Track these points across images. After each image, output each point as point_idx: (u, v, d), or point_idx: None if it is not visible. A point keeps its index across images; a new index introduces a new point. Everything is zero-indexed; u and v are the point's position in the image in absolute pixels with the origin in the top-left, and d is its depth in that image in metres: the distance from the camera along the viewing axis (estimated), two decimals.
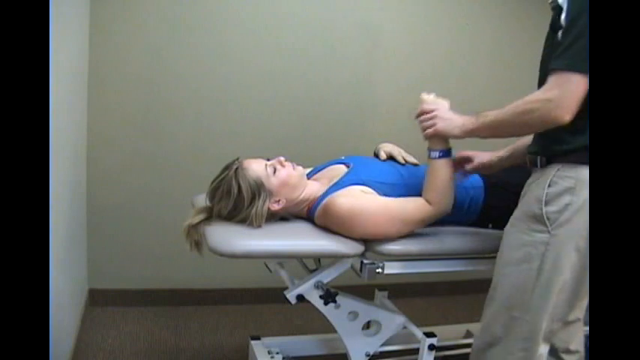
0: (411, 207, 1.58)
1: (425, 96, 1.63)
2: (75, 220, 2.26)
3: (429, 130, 1.57)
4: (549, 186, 1.37)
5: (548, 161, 1.40)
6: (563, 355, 1.57)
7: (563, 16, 1.27)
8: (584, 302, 1.47)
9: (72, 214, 2.17)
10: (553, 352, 1.56)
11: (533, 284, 1.39)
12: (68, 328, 2.11)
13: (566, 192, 1.35)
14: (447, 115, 1.56)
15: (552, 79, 1.28)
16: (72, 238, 2.17)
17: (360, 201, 1.58)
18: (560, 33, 1.28)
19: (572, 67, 1.24)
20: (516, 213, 1.47)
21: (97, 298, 2.60)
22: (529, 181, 1.48)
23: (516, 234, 1.43)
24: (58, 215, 1.79)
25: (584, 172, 1.33)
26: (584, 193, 1.34)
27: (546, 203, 1.36)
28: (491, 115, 1.42)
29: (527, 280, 1.39)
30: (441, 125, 1.55)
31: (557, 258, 1.37)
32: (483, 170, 1.74)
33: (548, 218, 1.36)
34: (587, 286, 1.42)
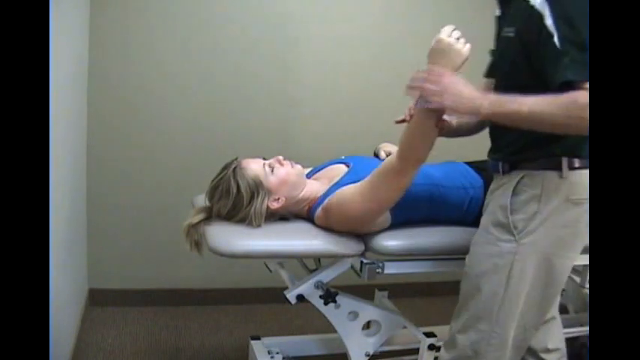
0: (377, 172, 1.51)
1: (445, 37, 1.37)
2: (75, 220, 2.26)
3: (433, 104, 1.33)
4: (514, 194, 1.36)
5: (512, 167, 1.39)
6: (543, 355, 1.56)
7: (549, 22, 1.23)
8: (556, 301, 1.46)
9: (72, 214, 2.17)
10: (532, 352, 1.56)
11: (501, 296, 1.38)
12: (68, 328, 2.11)
13: (533, 200, 1.34)
14: (457, 89, 1.30)
15: (582, 89, 1.19)
16: (72, 238, 2.17)
17: (343, 193, 1.58)
18: (556, 39, 1.22)
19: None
20: (482, 222, 1.45)
21: (97, 298, 2.60)
22: (492, 188, 1.46)
23: (483, 245, 1.42)
24: (58, 215, 1.79)
25: (549, 179, 1.33)
26: (552, 203, 1.34)
27: (512, 212, 1.35)
28: (527, 104, 1.23)
29: (496, 292, 1.39)
30: (449, 102, 1.31)
31: (523, 267, 1.37)
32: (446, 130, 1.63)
33: (515, 227, 1.36)
34: (557, 287, 1.42)
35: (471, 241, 1.47)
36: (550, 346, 1.56)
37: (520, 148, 1.37)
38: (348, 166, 1.78)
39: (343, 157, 1.88)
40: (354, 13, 2.64)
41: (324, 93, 2.68)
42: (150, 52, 2.45)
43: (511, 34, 1.34)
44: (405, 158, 1.45)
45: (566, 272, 1.44)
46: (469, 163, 1.79)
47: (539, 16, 1.25)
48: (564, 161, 1.34)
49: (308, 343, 2.11)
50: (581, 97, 1.18)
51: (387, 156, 1.84)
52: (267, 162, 1.67)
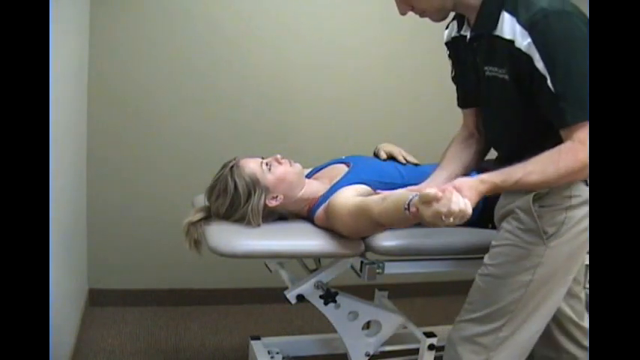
0: (364, 204, 1.46)
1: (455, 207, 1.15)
2: (75, 219, 2.26)
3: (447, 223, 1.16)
4: (540, 201, 1.35)
5: None
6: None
7: (539, 65, 1.22)
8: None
9: (72, 214, 2.17)
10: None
11: (523, 296, 1.39)
12: (68, 328, 2.11)
13: (561, 207, 1.34)
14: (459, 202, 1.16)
15: (582, 130, 1.21)
16: (72, 238, 2.17)
17: (339, 200, 1.56)
18: (549, 83, 1.22)
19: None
20: (506, 226, 1.43)
21: (97, 298, 2.60)
22: (505, 202, 1.44)
23: (510, 247, 1.41)
24: (58, 215, 1.79)
25: (576, 187, 1.33)
26: (581, 209, 1.34)
27: (540, 218, 1.35)
28: (528, 175, 1.24)
29: (519, 292, 1.39)
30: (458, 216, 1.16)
31: (549, 270, 1.37)
32: None
33: (544, 232, 1.36)
34: (566, 285, 1.44)
35: (491, 242, 1.46)
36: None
37: None
38: (348, 166, 1.79)
39: (344, 157, 1.88)
40: (354, 14, 2.64)
41: (324, 93, 2.68)
42: (150, 53, 2.45)
43: (504, 76, 1.32)
44: (383, 223, 1.44)
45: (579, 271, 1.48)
46: None
47: (529, 59, 1.23)
48: None
49: (308, 343, 2.11)
50: (581, 151, 1.21)
51: (388, 156, 1.84)
52: (264, 160, 1.68)
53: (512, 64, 1.28)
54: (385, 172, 1.73)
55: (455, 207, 1.13)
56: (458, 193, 1.16)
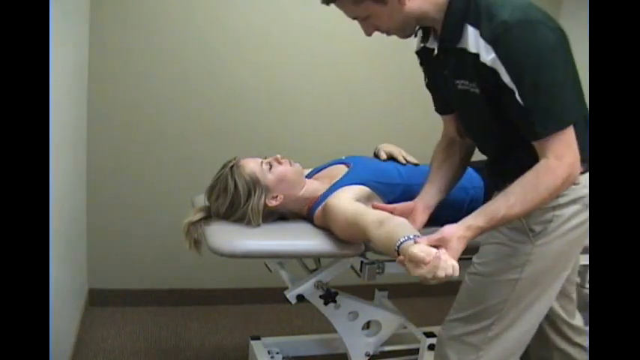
0: (360, 215, 1.45)
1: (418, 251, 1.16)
2: (75, 219, 2.26)
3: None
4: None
5: None
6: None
7: (506, 80, 1.20)
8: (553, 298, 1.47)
9: (72, 214, 2.17)
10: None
11: (511, 294, 1.38)
12: (68, 328, 2.11)
13: (548, 207, 1.33)
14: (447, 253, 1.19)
15: (557, 143, 1.21)
16: (72, 237, 2.17)
17: (338, 204, 1.56)
18: (518, 97, 1.20)
19: (565, 124, 1.22)
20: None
21: (97, 298, 2.59)
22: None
23: (497, 245, 1.41)
24: (58, 215, 1.79)
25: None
26: (568, 208, 1.33)
27: (527, 217, 1.34)
28: (511, 207, 1.24)
29: (506, 290, 1.39)
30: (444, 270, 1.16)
31: (536, 268, 1.37)
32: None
33: (531, 230, 1.35)
34: (559, 283, 1.44)
35: (480, 241, 1.47)
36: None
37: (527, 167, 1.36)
38: (348, 166, 1.79)
39: (344, 158, 1.88)
40: None
41: (325, 93, 2.68)
42: (150, 53, 2.45)
43: (475, 90, 1.30)
44: (377, 248, 1.46)
45: (572, 269, 1.47)
46: (469, 163, 1.79)
47: (495, 73, 1.22)
48: None
49: (308, 343, 2.12)
50: (558, 167, 1.22)
51: (388, 156, 1.84)
52: (265, 160, 1.68)
53: (481, 77, 1.27)
54: (385, 172, 1.73)
55: (441, 273, 1.13)
56: (446, 257, 1.15)
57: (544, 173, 1.23)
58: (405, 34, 1.38)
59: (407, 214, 1.48)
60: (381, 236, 1.33)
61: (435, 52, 1.38)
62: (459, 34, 1.28)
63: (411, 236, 1.22)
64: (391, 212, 1.47)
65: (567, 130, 1.22)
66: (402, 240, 1.22)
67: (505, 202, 1.25)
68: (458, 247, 1.23)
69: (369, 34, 1.39)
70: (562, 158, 1.22)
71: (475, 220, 1.26)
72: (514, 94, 1.21)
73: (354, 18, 1.36)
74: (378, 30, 1.37)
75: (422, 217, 1.51)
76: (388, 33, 1.38)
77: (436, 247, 1.19)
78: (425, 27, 1.41)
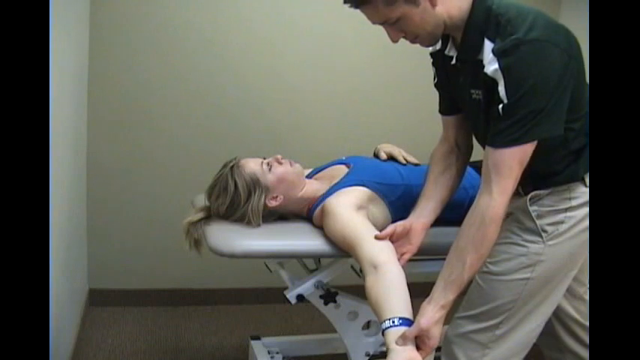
0: (355, 236, 1.47)
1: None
2: (75, 220, 2.26)
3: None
4: (538, 202, 1.37)
5: (535, 188, 1.39)
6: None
7: (501, 90, 1.22)
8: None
9: (72, 214, 2.17)
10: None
11: (522, 293, 1.39)
12: (68, 328, 2.11)
13: (560, 209, 1.35)
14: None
15: (505, 157, 1.24)
16: (72, 238, 2.17)
17: (338, 211, 1.55)
18: (500, 107, 1.22)
19: (517, 143, 1.23)
20: (503, 224, 1.41)
21: (97, 298, 2.60)
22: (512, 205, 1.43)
23: (508, 245, 1.41)
24: (58, 215, 1.79)
25: (574, 189, 1.34)
26: (580, 210, 1.35)
27: (538, 217, 1.37)
28: (471, 271, 1.30)
29: (517, 289, 1.39)
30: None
31: (547, 267, 1.37)
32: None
33: (544, 230, 1.37)
34: (565, 284, 1.44)
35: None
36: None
37: (541, 177, 1.37)
38: (348, 167, 1.79)
39: (344, 158, 1.88)
40: (353, 15, 2.63)
41: (325, 94, 2.68)
42: (150, 52, 2.45)
43: (480, 98, 1.32)
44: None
45: (583, 270, 1.48)
46: (469, 163, 1.79)
47: (494, 82, 1.23)
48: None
49: (308, 343, 2.12)
50: (499, 206, 1.25)
51: (388, 156, 1.84)
52: (265, 160, 1.68)
53: (484, 86, 1.28)
54: (385, 172, 1.73)
55: None
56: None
57: (489, 223, 1.27)
58: (430, 42, 1.38)
59: (404, 236, 1.50)
60: (370, 294, 1.34)
61: (453, 61, 1.38)
62: (478, 48, 1.28)
63: (396, 321, 1.24)
64: (390, 236, 1.47)
65: (523, 147, 1.23)
66: (386, 325, 1.25)
67: (462, 265, 1.29)
68: (437, 333, 1.27)
69: (395, 40, 1.38)
70: (503, 194, 1.25)
71: (445, 295, 1.29)
72: (500, 103, 1.23)
73: (383, 22, 1.33)
74: (404, 35, 1.36)
75: (418, 238, 1.52)
76: (415, 38, 1.36)
77: (417, 337, 1.24)
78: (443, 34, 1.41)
